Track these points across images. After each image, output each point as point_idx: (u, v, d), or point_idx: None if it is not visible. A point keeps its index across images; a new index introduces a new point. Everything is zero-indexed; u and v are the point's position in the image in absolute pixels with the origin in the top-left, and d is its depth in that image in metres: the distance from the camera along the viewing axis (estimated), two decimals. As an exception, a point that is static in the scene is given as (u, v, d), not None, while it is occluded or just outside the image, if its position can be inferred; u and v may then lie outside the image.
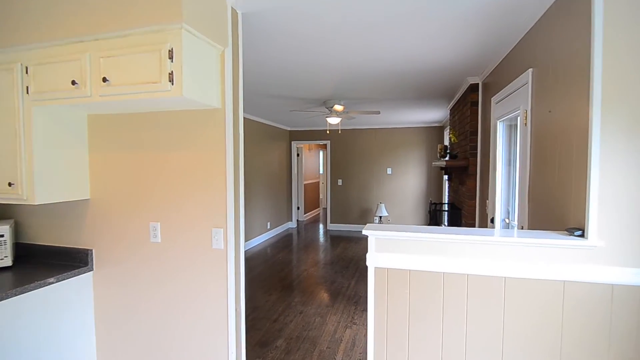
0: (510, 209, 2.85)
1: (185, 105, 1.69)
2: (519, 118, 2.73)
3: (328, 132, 4.84)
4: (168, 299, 1.89)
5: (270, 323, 3.29)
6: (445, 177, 5.49)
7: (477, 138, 3.54)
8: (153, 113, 1.84)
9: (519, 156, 2.27)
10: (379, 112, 4.61)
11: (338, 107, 4.33)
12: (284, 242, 6.62)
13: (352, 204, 7.75)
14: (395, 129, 7.38)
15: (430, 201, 4.57)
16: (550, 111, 1.76)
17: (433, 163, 5.14)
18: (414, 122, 7.03)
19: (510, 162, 2.84)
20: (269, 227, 6.97)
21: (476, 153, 3.55)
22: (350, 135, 7.64)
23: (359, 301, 3.76)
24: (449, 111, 5.18)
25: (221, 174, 1.79)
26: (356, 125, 7.49)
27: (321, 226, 8.38)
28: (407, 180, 7.38)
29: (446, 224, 4.71)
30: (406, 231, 1.56)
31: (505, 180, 2.86)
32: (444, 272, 1.55)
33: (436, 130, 7.16)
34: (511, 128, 2.81)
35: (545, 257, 1.42)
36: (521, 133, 2.23)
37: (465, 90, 3.71)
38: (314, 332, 3.11)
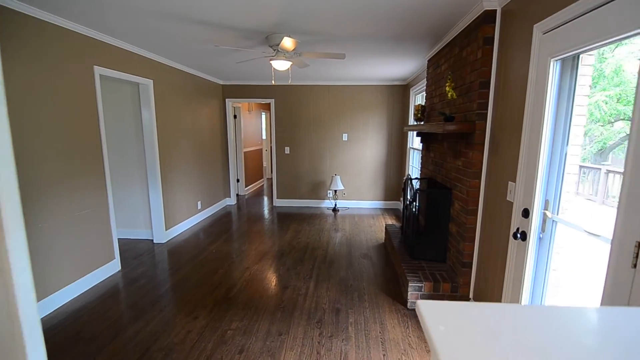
0: (552, 198, 1.91)
1: None
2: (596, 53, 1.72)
3: (273, 82, 3.51)
4: None
5: (192, 379, 2.10)
6: (420, 144, 4.54)
7: (488, 93, 2.52)
8: None
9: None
10: (343, 56, 3.37)
11: (287, 44, 2.99)
12: (220, 226, 5.30)
13: (303, 175, 6.59)
14: (352, 87, 6.20)
15: (409, 177, 3.57)
16: None
17: (405, 127, 4.12)
18: (374, 79, 5.90)
19: (557, 129, 1.86)
20: (199, 207, 5.56)
21: (486, 114, 2.54)
22: (299, 93, 6.30)
23: (323, 319, 2.72)
24: (427, 62, 4.12)
25: None
26: (306, 81, 6.15)
27: (266, 201, 7.15)
28: (365, 148, 6.38)
29: (417, 205, 3.78)
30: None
31: (548, 155, 1.89)
32: None
33: (400, 90, 6.14)
34: (568, 76, 1.80)
35: None
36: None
37: (473, 22, 2.62)
38: (261, 391, 2.00)
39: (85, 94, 3.20)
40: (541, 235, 1.98)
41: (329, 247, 4.34)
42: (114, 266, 3.62)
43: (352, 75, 5.53)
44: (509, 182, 2.21)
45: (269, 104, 6.54)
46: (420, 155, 4.32)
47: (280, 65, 3.38)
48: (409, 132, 5.78)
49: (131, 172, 4.51)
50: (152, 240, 4.55)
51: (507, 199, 2.22)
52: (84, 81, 3.18)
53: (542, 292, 1.98)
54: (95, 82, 3.32)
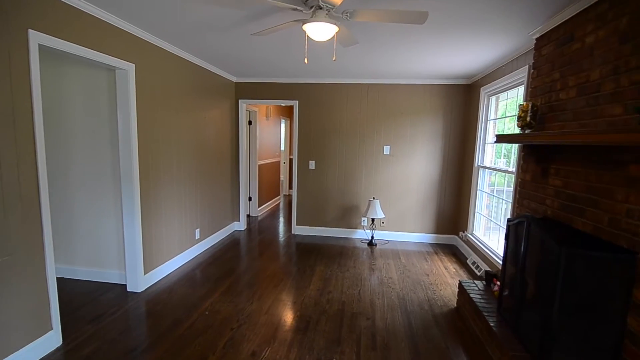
0: None
1: None
2: None
3: (306, 61, 2.19)
4: None
5: None
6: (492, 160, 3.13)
7: None
8: None
9: None
10: (424, 19, 2.04)
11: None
12: (222, 265, 3.98)
13: (331, 197, 5.24)
14: (398, 87, 4.87)
15: (529, 218, 2.15)
16: None
17: (508, 137, 2.74)
18: (429, 75, 4.56)
19: None
20: (198, 236, 4.27)
21: None
22: (330, 93, 5.01)
23: None
24: (535, 40, 2.74)
25: None
26: (339, 78, 4.87)
27: (282, 226, 5.81)
28: (412, 165, 4.99)
29: (557, 273, 2.34)
30: None
31: None
32: None
33: (462, 91, 4.76)
34: None
35: None
36: None
37: None
38: None
39: (9, 72, 1.98)
40: None
41: (376, 313, 2.93)
42: (50, 342, 2.33)
43: (401, 69, 4.20)
44: None
45: (291, 107, 5.29)
46: (518, 180, 2.90)
47: (319, 31, 2.08)
48: (476, 146, 4.37)
49: (103, 191, 3.27)
50: (126, 286, 3.26)
51: None
52: (5, 52, 1.96)
53: None
54: (30, 55, 2.10)
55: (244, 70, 4.60)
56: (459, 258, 4.42)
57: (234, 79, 5.14)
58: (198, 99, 4.14)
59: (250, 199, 6.39)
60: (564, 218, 2.21)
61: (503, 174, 3.73)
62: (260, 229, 5.60)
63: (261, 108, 6.48)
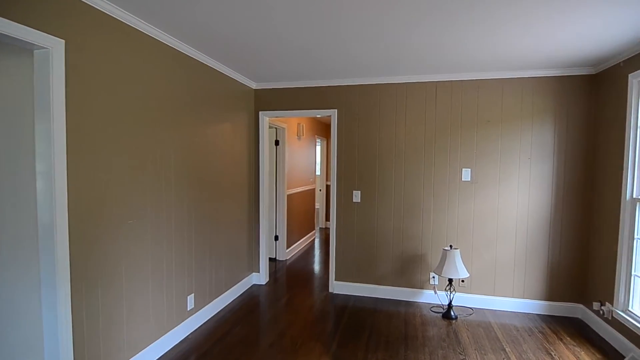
0: None
1: None
2: None
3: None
4: None
5: None
6: None
7: None
8: None
9: None
10: None
11: None
12: (223, 357, 2.58)
13: (383, 243, 3.73)
14: (481, 83, 3.38)
15: None
16: None
17: None
18: (531, 63, 3.03)
19: None
20: (191, 306, 2.93)
21: None
22: (380, 97, 3.62)
23: None
24: None
25: None
26: (393, 75, 3.48)
27: (317, 279, 4.35)
28: (507, 195, 3.38)
29: None
30: None
31: None
32: None
33: (583, 85, 3.15)
34: None
35: None
36: None
37: None
38: None
39: None
40: None
41: None
42: None
43: (491, 53, 2.72)
44: None
45: (329, 125, 3.96)
46: None
47: None
48: (625, 167, 2.70)
49: (25, 251, 2.05)
50: (53, 411, 1.94)
51: None
52: None
53: None
54: None
55: (264, 70, 3.36)
56: (601, 348, 2.68)
57: (254, 85, 3.93)
58: (197, 109, 2.92)
59: (276, 238, 5.05)
60: None
61: None
62: (288, 283, 4.18)
63: (291, 124, 5.23)
